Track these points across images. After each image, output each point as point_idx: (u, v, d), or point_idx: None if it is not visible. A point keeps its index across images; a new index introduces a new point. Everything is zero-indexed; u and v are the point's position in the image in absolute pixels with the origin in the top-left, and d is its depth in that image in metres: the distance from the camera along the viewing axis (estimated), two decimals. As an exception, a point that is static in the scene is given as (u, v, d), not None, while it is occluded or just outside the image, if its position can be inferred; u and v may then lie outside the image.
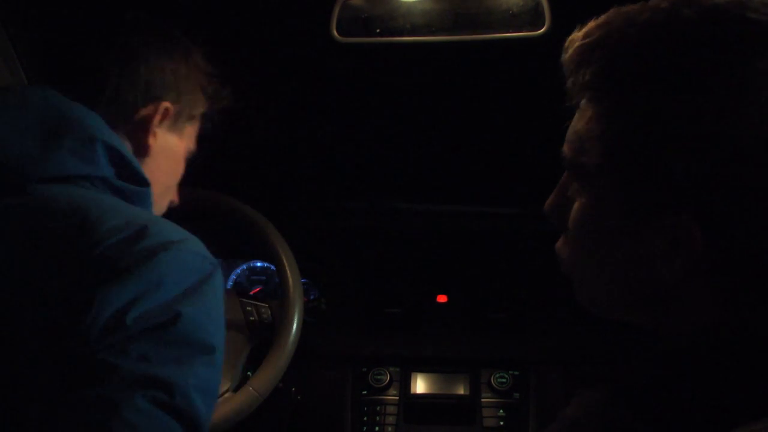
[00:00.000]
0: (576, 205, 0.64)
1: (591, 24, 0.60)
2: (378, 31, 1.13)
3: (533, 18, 1.07)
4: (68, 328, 0.61)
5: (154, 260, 0.66)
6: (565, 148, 0.63)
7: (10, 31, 1.21)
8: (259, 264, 1.56)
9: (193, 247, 0.72)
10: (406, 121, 1.47)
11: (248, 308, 1.22)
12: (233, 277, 1.56)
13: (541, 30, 1.05)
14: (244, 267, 1.56)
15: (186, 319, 0.64)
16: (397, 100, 1.42)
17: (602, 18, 0.59)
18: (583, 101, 0.61)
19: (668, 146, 0.54)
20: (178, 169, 0.97)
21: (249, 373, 1.22)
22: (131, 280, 0.64)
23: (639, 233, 0.57)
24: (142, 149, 0.88)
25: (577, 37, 0.60)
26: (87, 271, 0.64)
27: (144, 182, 0.82)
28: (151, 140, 0.88)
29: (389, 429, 1.38)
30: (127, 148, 0.83)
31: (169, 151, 0.92)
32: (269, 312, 1.23)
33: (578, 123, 0.62)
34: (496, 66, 1.32)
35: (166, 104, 0.88)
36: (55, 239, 0.67)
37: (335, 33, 1.08)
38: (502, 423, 1.37)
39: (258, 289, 1.53)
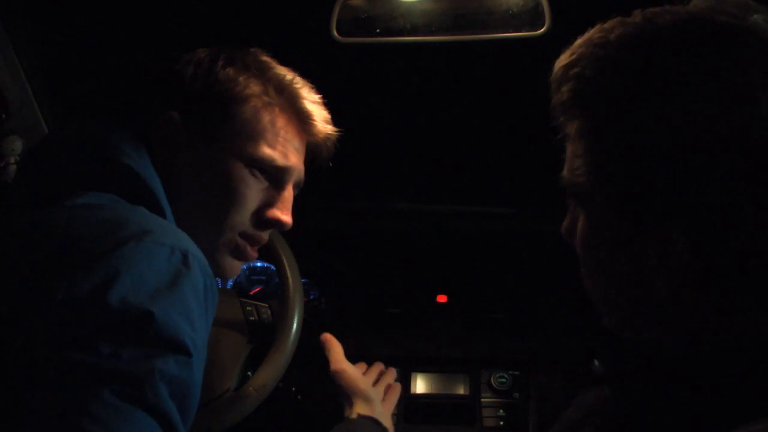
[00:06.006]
0: (579, 225, 0.64)
1: (577, 42, 0.60)
2: (378, 31, 1.13)
3: (533, 18, 1.07)
4: (30, 319, 0.60)
5: (122, 249, 0.63)
6: (564, 170, 0.64)
7: (10, 31, 1.21)
8: (259, 264, 1.55)
9: (169, 240, 0.67)
10: (406, 120, 1.47)
11: (248, 308, 1.22)
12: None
13: (541, 30, 1.05)
14: (244, 267, 1.56)
15: (157, 317, 0.61)
16: (398, 100, 1.42)
17: (585, 35, 0.60)
18: (568, 121, 0.62)
19: (643, 158, 0.54)
20: (226, 193, 0.85)
21: (249, 373, 1.22)
22: (96, 268, 0.61)
23: (631, 247, 0.57)
24: (166, 171, 0.82)
25: (563, 57, 0.61)
26: (55, 261, 0.63)
27: (157, 212, 0.77)
28: (170, 158, 0.83)
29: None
30: (151, 172, 0.79)
31: (202, 167, 0.85)
32: (269, 312, 1.22)
33: (568, 147, 0.63)
34: (496, 66, 1.32)
35: (170, 113, 0.84)
36: (40, 238, 0.66)
37: (335, 33, 1.08)
38: (502, 423, 1.37)
39: (258, 289, 1.53)
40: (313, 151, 0.97)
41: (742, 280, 0.54)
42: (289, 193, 0.93)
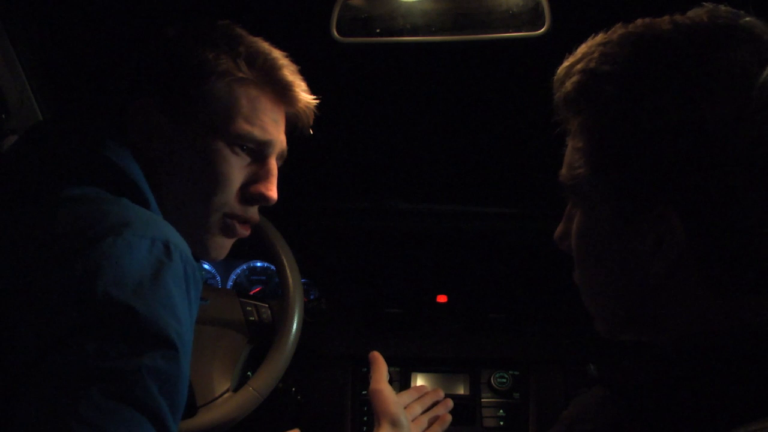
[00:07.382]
0: (575, 222, 0.66)
1: (579, 48, 0.64)
2: (378, 31, 1.13)
3: (533, 18, 1.07)
4: (15, 318, 0.59)
5: (101, 244, 0.63)
6: (562, 170, 0.66)
7: (10, 31, 1.21)
8: (259, 264, 1.56)
9: (149, 232, 0.66)
10: (406, 121, 1.47)
11: (248, 308, 1.22)
12: (233, 277, 1.56)
13: (541, 30, 1.05)
14: (244, 267, 1.56)
15: (141, 312, 0.60)
16: (397, 100, 1.42)
17: (587, 41, 0.64)
18: (571, 116, 0.64)
19: (641, 140, 0.56)
20: (209, 174, 0.84)
21: (249, 373, 1.22)
22: (77, 264, 0.61)
23: (627, 235, 0.59)
24: (147, 158, 0.82)
25: (566, 61, 0.64)
26: (38, 258, 0.62)
27: (141, 202, 0.77)
28: (148, 145, 0.82)
29: (389, 429, 1.38)
30: (131, 162, 0.78)
31: (181, 150, 0.83)
32: (269, 312, 1.22)
33: (569, 143, 0.65)
34: (496, 66, 1.32)
35: (144, 100, 0.82)
36: (23, 235, 0.65)
37: (335, 33, 1.08)
38: (502, 423, 1.37)
39: (258, 289, 1.53)
40: (292, 121, 0.94)
41: (734, 257, 0.56)
42: (272, 167, 0.91)
